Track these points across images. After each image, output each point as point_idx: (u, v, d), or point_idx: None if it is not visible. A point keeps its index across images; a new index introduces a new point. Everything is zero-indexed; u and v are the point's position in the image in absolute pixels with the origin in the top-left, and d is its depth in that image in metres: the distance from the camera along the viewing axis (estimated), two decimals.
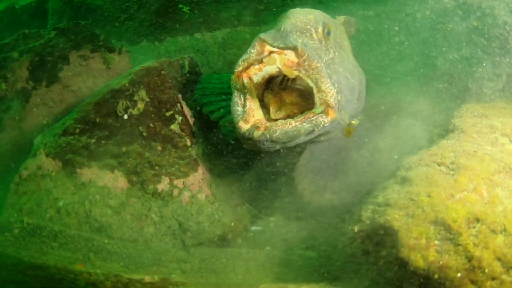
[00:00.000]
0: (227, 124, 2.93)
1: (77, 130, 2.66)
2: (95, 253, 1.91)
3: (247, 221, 2.82)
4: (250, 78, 2.30)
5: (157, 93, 2.75)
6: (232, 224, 2.60)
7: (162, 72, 2.80)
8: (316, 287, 1.80)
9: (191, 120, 2.86)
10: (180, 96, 2.88)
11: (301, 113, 2.35)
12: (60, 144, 2.66)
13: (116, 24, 4.99)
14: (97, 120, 2.67)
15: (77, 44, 3.66)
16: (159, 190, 2.52)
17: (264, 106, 2.47)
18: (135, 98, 2.70)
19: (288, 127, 2.22)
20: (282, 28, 2.21)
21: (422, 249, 1.65)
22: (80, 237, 2.04)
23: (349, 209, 2.53)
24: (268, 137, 2.20)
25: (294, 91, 2.53)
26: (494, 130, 2.66)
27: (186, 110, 2.86)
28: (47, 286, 1.26)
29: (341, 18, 3.03)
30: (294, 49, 2.16)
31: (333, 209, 2.79)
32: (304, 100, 2.48)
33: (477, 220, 1.78)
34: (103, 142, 2.64)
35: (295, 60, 2.18)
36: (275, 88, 2.51)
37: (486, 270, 1.60)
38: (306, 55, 2.15)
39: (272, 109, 2.44)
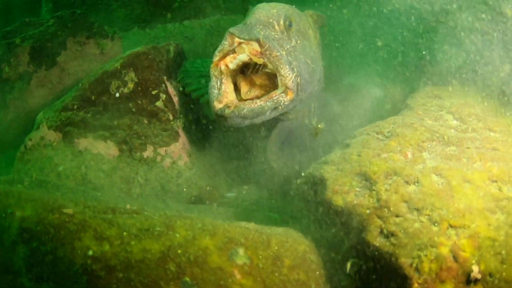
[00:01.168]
0: (207, 104, 3.58)
1: (75, 106, 3.31)
2: (91, 201, 2.57)
3: (223, 189, 3.49)
4: (226, 66, 2.88)
5: (145, 74, 3.39)
6: (208, 188, 3.27)
7: (149, 57, 3.44)
8: (265, 228, 2.44)
9: (174, 99, 3.51)
10: (165, 77, 3.53)
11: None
12: (60, 118, 3.32)
13: (109, 11, 5.60)
14: (93, 97, 3.31)
15: (74, 31, 4.28)
16: (145, 157, 3.20)
17: (238, 90, 3.10)
18: (126, 78, 3.35)
19: (254, 105, 2.77)
20: (248, 23, 2.80)
21: (344, 193, 2.26)
22: (78, 189, 2.70)
23: None
24: (237, 114, 2.75)
25: (264, 75, 3.17)
26: (442, 109, 3.11)
27: (171, 89, 3.51)
28: (61, 199, 1.95)
29: (310, 12, 3.66)
30: (257, 40, 2.71)
31: (298, 177, 3.44)
32: (272, 82, 3.11)
33: (395, 174, 2.34)
34: (97, 116, 3.30)
35: (259, 49, 2.76)
36: (247, 73, 3.16)
37: (392, 209, 2.14)
38: (267, 45, 2.71)
39: (243, 90, 3.05)
